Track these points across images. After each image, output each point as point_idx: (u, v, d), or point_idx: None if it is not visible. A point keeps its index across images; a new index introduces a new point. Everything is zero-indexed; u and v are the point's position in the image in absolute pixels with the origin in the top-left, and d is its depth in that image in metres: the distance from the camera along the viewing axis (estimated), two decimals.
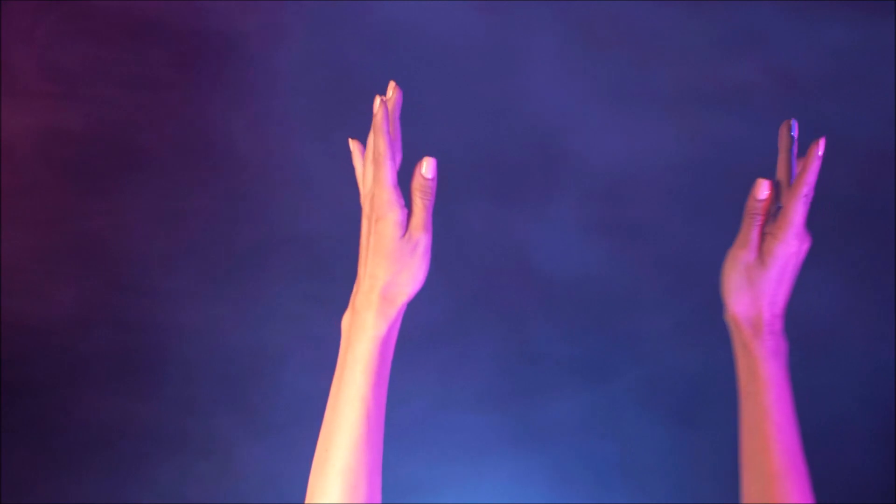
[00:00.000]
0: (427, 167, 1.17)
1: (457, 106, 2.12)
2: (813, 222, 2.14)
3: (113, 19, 2.11)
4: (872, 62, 2.09)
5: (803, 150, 1.22)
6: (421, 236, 1.17)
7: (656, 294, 2.14)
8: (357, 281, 1.18)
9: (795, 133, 1.24)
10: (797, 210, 1.20)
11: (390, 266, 1.16)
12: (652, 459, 2.20)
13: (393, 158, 1.18)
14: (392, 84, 1.22)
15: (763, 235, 1.21)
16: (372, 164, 1.18)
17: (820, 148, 1.21)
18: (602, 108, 2.12)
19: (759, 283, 1.20)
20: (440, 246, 2.09)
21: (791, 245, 1.20)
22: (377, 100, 1.19)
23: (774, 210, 1.23)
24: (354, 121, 2.16)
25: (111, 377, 2.18)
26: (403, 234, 1.16)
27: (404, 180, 1.18)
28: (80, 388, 2.16)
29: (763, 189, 1.20)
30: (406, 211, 1.17)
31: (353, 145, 1.24)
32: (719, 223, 2.16)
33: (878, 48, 2.09)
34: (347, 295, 2.22)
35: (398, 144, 1.21)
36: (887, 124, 2.09)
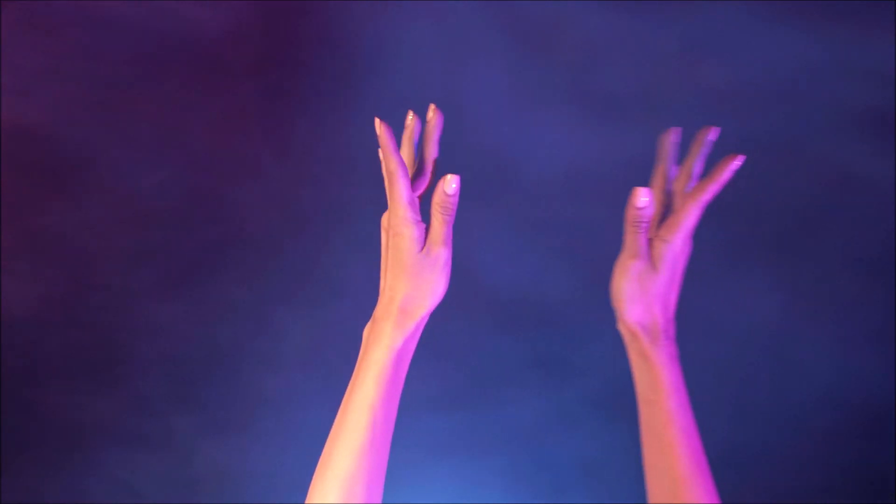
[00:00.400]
0: (449, 184, 1.18)
1: (395, 109, 2.14)
2: (759, 231, 2.17)
3: (74, 18, 2.10)
4: (825, 73, 2.11)
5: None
6: (440, 251, 1.18)
7: (606, 296, 2.15)
8: (380, 292, 1.20)
9: (714, 137, 1.23)
10: (692, 214, 1.20)
11: (409, 280, 1.18)
12: (609, 459, 2.21)
13: (407, 175, 1.18)
14: (432, 107, 1.23)
15: (650, 240, 1.21)
16: (386, 181, 1.19)
17: (736, 162, 1.20)
18: (542, 112, 2.13)
19: (651, 289, 1.19)
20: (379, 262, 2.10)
21: (679, 249, 1.20)
22: (376, 121, 1.20)
23: (660, 214, 1.23)
24: (308, 122, 2.16)
25: (70, 375, 2.17)
26: (421, 249, 1.18)
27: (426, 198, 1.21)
28: (39, 385, 2.16)
29: (642, 197, 1.18)
30: (423, 226, 1.19)
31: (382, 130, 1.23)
32: None
33: (836, 59, 2.11)
34: (304, 294, 2.23)
35: (430, 166, 1.22)
36: (836, 133, 2.11)
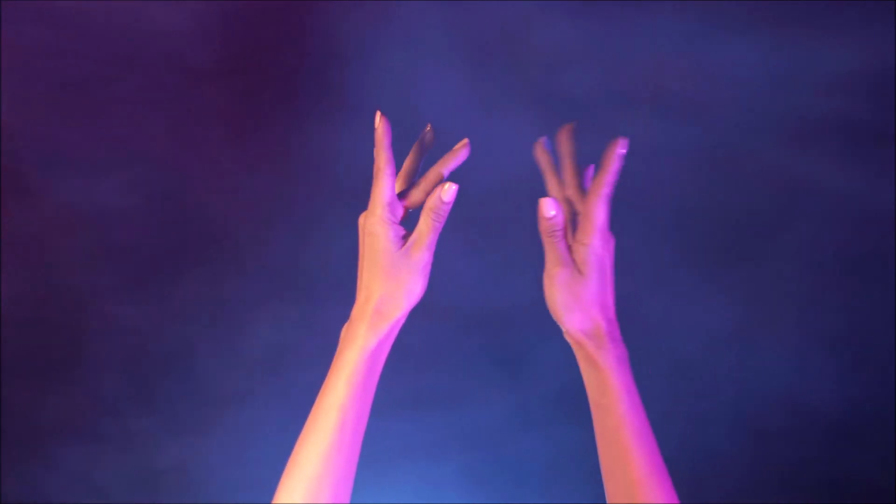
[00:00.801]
0: (447, 192, 1.18)
1: (339, 113, 2.13)
2: (716, 237, 2.18)
3: (40, 16, 2.09)
4: (783, 80, 2.13)
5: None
6: (423, 254, 1.17)
7: None
8: (357, 293, 1.19)
9: (623, 150, 1.20)
10: (599, 211, 1.19)
11: (385, 281, 1.17)
12: (568, 460, 2.22)
13: (393, 176, 1.18)
14: (466, 141, 1.22)
15: (569, 247, 1.20)
16: (373, 176, 1.19)
17: (621, 146, 1.19)
18: (501, 116, 2.14)
19: (585, 295, 1.18)
20: (341, 262, 2.10)
21: (601, 247, 1.18)
22: (377, 115, 1.20)
23: (571, 219, 1.22)
24: (272, 123, 2.16)
25: (31, 374, 2.16)
26: (398, 250, 1.17)
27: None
28: (1, 384, 2.15)
29: (549, 207, 1.18)
30: (399, 229, 1.18)
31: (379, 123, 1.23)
32: (619, 228, 2.19)
33: (794, 66, 2.12)
34: (267, 295, 2.22)
35: (431, 185, 1.20)
36: (793, 140, 2.13)
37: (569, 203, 1.24)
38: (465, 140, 1.22)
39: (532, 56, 2.14)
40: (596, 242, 1.18)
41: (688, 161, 2.11)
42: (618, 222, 1.22)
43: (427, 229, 1.18)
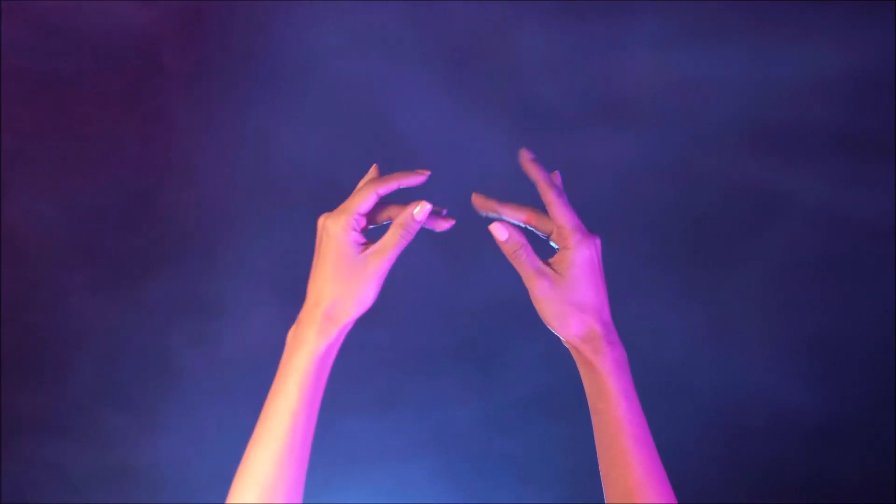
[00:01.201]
0: (420, 211, 1.18)
1: (314, 115, 2.13)
2: (683, 247, 2.20)
3: (10, 14, 2.07)
4: (743, 87, 2.14)
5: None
6: (381, 263, 1.17)
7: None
8: (306, 296, 1.18)
9: (532, 155, 1.20)
10: (563, 213, 1.17)
11: (338, 285, 1.16)
12: (546, 461, 2.22)
13: (378, 197, 1.18)
14: (442, 211, 1.21)
15: (546, 261, 1.18)
16: (361, 185, 1.19)
17: (527, 154, 1.19)
18: (468, 118, 2.15)
19: (574, 299, 1.17)
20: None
21: (583, 247, 1.17)
22: (425, 174, 1.20)
23: (544, 231, 1.20)
24: (248, 124, 2.15)
25: (5, 372, 2.14)
26: (356, 256, 1.17)
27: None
28: None
29: (500, 232, 1.18)
30: (360, 236, 1.18)
31: (372, 170, 1.24)
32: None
33: (751, 72, 2.14)
34: (238, 296, 2.21)
35: (392, 215, 1.20)
36: (764, 148, 2.15)
37: (541, 221, 1.22)
38: (427, 172, 1.21)
39: (506, 62, 2.14)
40: (576, 243, 1.16)
41: (663, 168, 2.13)
42: (596, 227, 1.22)
43: (392, 243, 1.17)
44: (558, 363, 2.19)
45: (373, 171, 1.23)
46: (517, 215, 1.21)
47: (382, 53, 2.12)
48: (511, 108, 2.12)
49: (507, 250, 1.18)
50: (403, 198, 1.21)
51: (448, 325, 2.20)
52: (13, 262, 2.12)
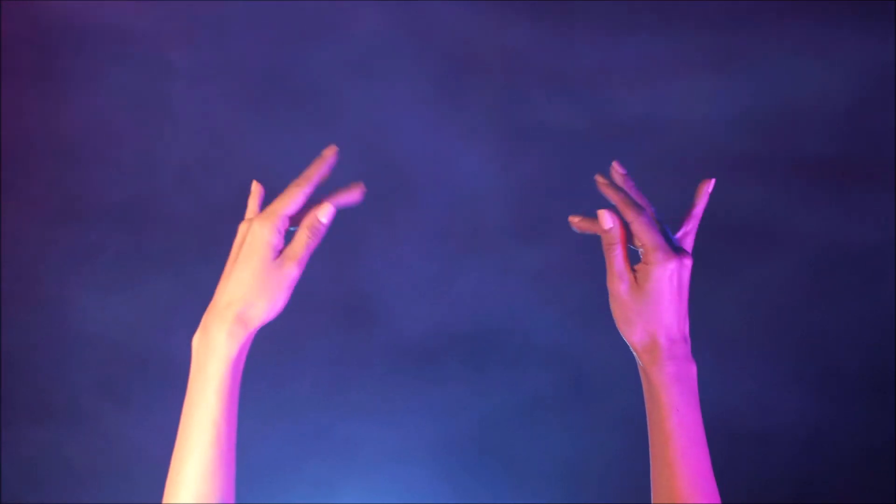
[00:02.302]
0: (324, 213, 1.18)
1: (313, 120, 2.14)
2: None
3: (15, 15, 2.08)
4: (747, 115, 2.14)
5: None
6: (293, 268, 1.17)
7: (533, 310, 2.15)
8: (213, 299, 1.18)
9: (710, 189, 1.23)
10: (643, 232, 1.18)
11: (253, 288, 1.16)
12: (541, 468, 2.22)
13: (306, 199, 1.18)
14: (362, 187, 1.22)
15: (632, 266, 1.20)
16: (289, 187, 1.19)
17: (709, 186, 1.22)
18: (447, 130, 2.15)
19: (644, 311, 1.18)
20: (370, 244, 2.09)
21: (662, 266, 1.18)
22: (332, 149, 1.21)
23: (635, 245, 1.22)
24: (248, 122, 2.16)
25: (5, 373, 2.15)
26: (272, 260, 1.16)
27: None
28: None
29: (607, 220, 1.19)
30: (281, 240, 1.17)
31: (254, 186, 1.24)
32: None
33: (761, 103, 2.14)
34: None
35: (311, 210, 1.20)
36: (753, 178, 2.14)
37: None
38: (361, 183, 1.22)
39: (493, 73, 2.14)
40: (657, 260, 1.18)
41: (658, 183, 2.12)
42: (590, 239, 1.24)
43: (301, 246, 1.18)
44: (549, 380, 2.19)
45: (255, 187, 1.23)
46: (627, 214, 1.21)
47: (371, 60, 2.13)
48: (499, 123, 2.12)
49: (606, 240, 1.20)
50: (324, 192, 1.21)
51: (453, 346, 2.19)
52: (13, 262, 2.12)
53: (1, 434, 2.13)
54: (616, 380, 2.19)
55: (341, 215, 1.20)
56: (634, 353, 1.19)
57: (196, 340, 1.16)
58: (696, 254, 1.18)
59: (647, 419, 1.18)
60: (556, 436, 2.20)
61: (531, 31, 2.13)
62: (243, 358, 1.17)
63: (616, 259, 1.19)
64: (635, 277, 1.19)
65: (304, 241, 1.17)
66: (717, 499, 1.14)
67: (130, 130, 2.13)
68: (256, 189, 1.22)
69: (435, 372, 2.20)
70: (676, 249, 1.19)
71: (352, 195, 1.21)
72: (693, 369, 1.17)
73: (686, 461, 1.14)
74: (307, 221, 1.18)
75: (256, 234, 1.16)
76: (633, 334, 1.18)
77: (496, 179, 2.15)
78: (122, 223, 2.14)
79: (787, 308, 2.19)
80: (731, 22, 2.13)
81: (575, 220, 1.22)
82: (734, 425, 2.20)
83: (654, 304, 1.18)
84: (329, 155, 1.19)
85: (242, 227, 1.18)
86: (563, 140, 2.13)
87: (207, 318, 1.16)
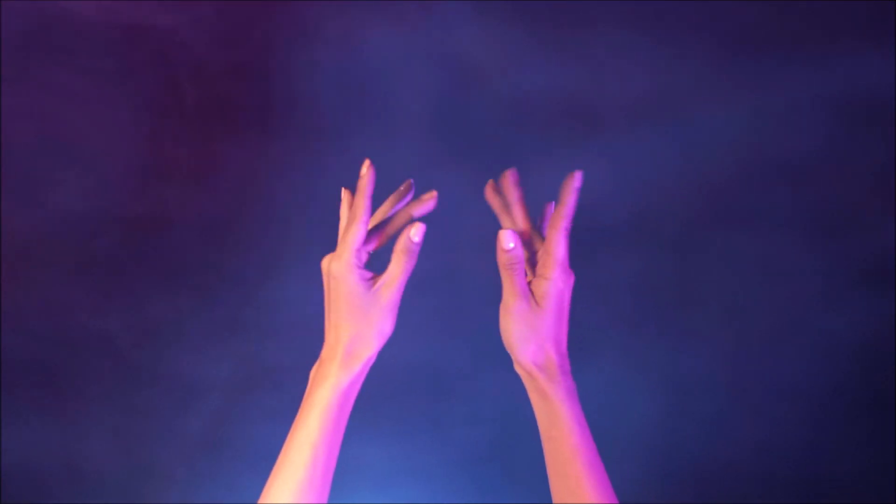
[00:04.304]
0: (416, 231, 1.20)
1: (313, 139, 2.13)
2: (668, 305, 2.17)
3: (15, 15, 2.08)
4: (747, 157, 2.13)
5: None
6: (392, 295, 1.20)
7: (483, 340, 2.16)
8: (325, 333, 1.21)
9: (579, 184, 1.22)
10: (560, 245, 1.20)
11: (354, 322, 1.18)
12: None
13: (367, 224, 1.21)
14: (434, 194, 1.25)
15: (528, 281, 1.22)
16: (344, 222, 1.23)
17: (577, 180, 1.21)
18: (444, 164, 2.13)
19: (541, 327, 1.19)
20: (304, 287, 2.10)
21: (561, 281, 1.20)
22: (366, 163, 1.22)
23: (530, 257, 1.24)
24: (238, 145, 2.14)
25: (8, 388, 2.15)
26: (366, 292, 1.19)
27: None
28: None
29: (508, 239, 1.19)
30: (364, 272, 1.20)
31: (344, 194, 1.28)
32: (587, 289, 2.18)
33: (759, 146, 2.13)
34: (241, 323, 2.19)
35: (392, 231, 1.24)
36: (750, 223, 2.13)
37: (527, 241, 1.26)
38: (434, 192, 1.25)
39: (490, 103, 2.13)
40: (556, 276, 1.20)
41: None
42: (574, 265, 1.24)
43: (399, 271, 1.20)
44: None
45: (345, 194, 1.27)
46: (520, 225, 1.25)
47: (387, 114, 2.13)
48: (491, 147, 2.12)
49: (505, 260, 1.20)
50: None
51: (459, 360, 2.19)
52: (13, 262, 2.13)
53: (1, 434, 2.13)
54: (631, 386, 2.18)
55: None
56: (526, 375, 1.20)
57: (312, 371, 1.20)
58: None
59: (544, 440, 1.19)
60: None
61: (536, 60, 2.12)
62: (356, 388, 1.20)
63: (517, 277, 1.19)
64: (532, 295, 1.20)
65: (401, 265, 1.21)
66: (616, 500, 1.17)
67: (138, 138, 2.13)
68: (347, 196, 1.26)
69: (440, 388, 2.20)
70: (569, 267, 1.21)
71: (427, 205, 1.24)
72: (575, 384, 1.20)
73: (592, 474, 1.16)
74: (400, 245, 1.21)
75: (336, 275, 1.19)
76: (528, 353, 1.19)
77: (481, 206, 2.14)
78: (124, 226, 2.14)
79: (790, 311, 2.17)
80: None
81: (489, 189, 1.25)
82: (735, 430, 2.17)
83: (552, 321, 1.19)
84: (367, 173, 1.21)
85: (324, 265, 1.22)
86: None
87: (323, 352, 1.20)
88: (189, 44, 2.10)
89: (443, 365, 2.19)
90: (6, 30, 2.06)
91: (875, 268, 2.14)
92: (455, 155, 2.12)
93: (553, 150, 2.10)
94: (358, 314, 1.19)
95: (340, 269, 1.19)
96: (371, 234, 1.24)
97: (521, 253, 1.20)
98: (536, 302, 1.21)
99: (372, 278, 1.21)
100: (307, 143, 2.12)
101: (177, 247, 2.13)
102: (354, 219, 1.20)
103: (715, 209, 2.14)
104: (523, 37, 2.10)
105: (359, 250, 1.20)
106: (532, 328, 1.20)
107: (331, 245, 1.27)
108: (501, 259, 1.20)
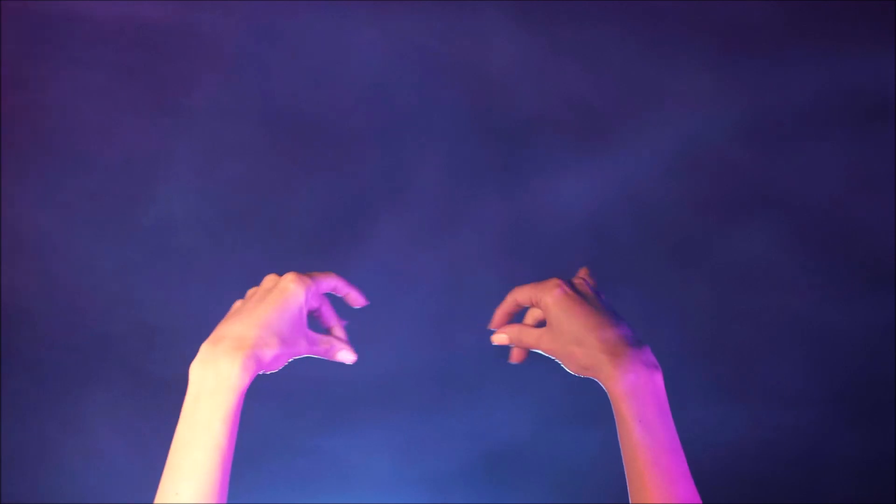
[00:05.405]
0: (345, 356, 1.29)
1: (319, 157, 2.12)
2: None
3: (16, 14, 2.07)
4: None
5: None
6: (310, 349, 1.25)
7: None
8: (218, 332, 1.21)
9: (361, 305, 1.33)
10: (520, 294, 1.29)
11: (273, 331, 1.20)
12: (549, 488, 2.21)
13: (348, 287, 1.30)
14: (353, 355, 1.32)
15: (531, 326, 1.29)
16: (331, 273, 1.28)
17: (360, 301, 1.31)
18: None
19: (568, 338, 1.23)
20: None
21: (544, 296, 1.25)
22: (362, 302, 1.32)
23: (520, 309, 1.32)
24: (238, 162, 2.14)
25: (5, 374, 2.15)
26: (298, 320, 1.23)
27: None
28: None
29: (501, 339, 1.32)
30: (307, 307, 1.24)
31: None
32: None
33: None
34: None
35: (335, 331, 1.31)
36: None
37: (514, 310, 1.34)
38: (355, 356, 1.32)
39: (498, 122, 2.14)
40: (538, 299, 1.26)
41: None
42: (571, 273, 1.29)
43: (321, 350, 1.28)
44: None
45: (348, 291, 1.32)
46: (501, 323, 1.33)
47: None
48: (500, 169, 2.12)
49: (514, 342, 1.30)
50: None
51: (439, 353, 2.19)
52: (13, 263, 2.12)
53: (1, 434, 2.12)
54: None
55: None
56: (596, 379, 1.22)
57: (199, 368, 1.18)
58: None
59: (617, 431, 1.19)
60: (561, 462, 2.20)
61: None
62: (244, 394, 1.20)
63: (526, 335, 1.29)
64: (542, 325, 1.28)
65: (323, 349, 1.27)
66: (698, 500, 1.16)
67: (136, 133, 2.13)
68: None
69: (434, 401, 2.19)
70: (539, 281, 1.28)
71: (358, 302, 1.31)
72: (657, 377, 1.19)
73: (657, 470, 1.15)
74: (334, 345, 1.28)
75: (290, 288, 1.23)
76: (574, 363, 1.23)
77: None
78: (124, 228, 2.14)
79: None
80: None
81: (498, 339, 1.33)
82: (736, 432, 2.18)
83: (568, 326, 1.24)
84: (362, 301, 1.30)
85: (271, 277, 1.25)
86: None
87: (214, 349, 1.18)
88: (189, 44, 2.10)
89: (448, 372, 2.19)
90: (6, 30, 2.05)
91: (875, 268, 2.14)
92: (459, 160, 2.12)
93: (560, 155, 2.10)
94: (280, 328, 1.21)
95: (299, 287, 1.23)
96: (325, 307, 1.29)
97: (511, 329, 1.30)
98: (549, 325, 1.25)
99: (308, 316, 1.25)
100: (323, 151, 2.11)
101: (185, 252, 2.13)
102: (339, 278, 1.28)
103: (715, 209, 2.14)
104: (530, 40, 2.10)
105: (318, 294, 1.25)
106: (564, 343, 1.23)
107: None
108: (513, 355, 1.32)
